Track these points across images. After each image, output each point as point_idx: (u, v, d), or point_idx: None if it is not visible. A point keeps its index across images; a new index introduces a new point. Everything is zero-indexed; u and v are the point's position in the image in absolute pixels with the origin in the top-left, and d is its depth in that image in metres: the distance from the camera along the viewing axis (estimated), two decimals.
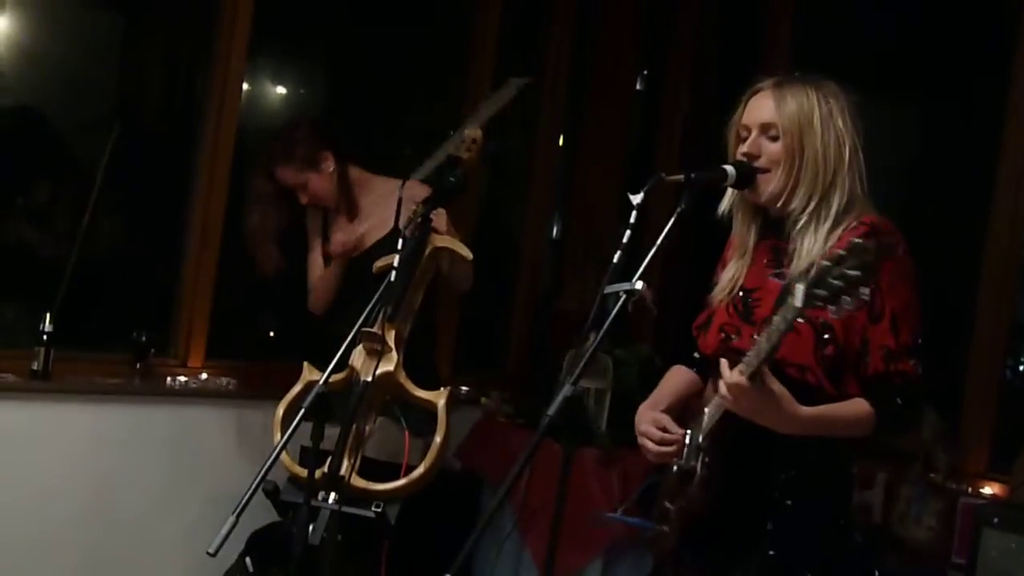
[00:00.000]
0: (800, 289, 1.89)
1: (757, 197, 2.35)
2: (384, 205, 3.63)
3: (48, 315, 3.74)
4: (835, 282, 1.89)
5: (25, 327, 3.80)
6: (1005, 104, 4.26)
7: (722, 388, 2.12)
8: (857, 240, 1.91)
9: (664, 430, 2.39)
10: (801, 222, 2.29)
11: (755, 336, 2.10)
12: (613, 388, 4.25)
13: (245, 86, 4.29)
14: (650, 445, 2.41)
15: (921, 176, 4.79)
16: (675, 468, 2.39)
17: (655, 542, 2.47)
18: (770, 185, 2.32)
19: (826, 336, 2.22)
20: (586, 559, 3.98)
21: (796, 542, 2.28)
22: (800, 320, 2.07)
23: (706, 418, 2.31)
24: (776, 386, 2.10)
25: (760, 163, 2.32)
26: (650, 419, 2.44)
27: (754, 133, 2.33)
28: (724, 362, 2.13)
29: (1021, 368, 4.68)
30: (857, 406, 2.22)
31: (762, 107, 2.33)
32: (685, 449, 2.36)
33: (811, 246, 2.25)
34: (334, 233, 3.78)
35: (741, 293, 2.39)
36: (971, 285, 4.32)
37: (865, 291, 1.89)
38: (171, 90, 4.50)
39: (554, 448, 3.47)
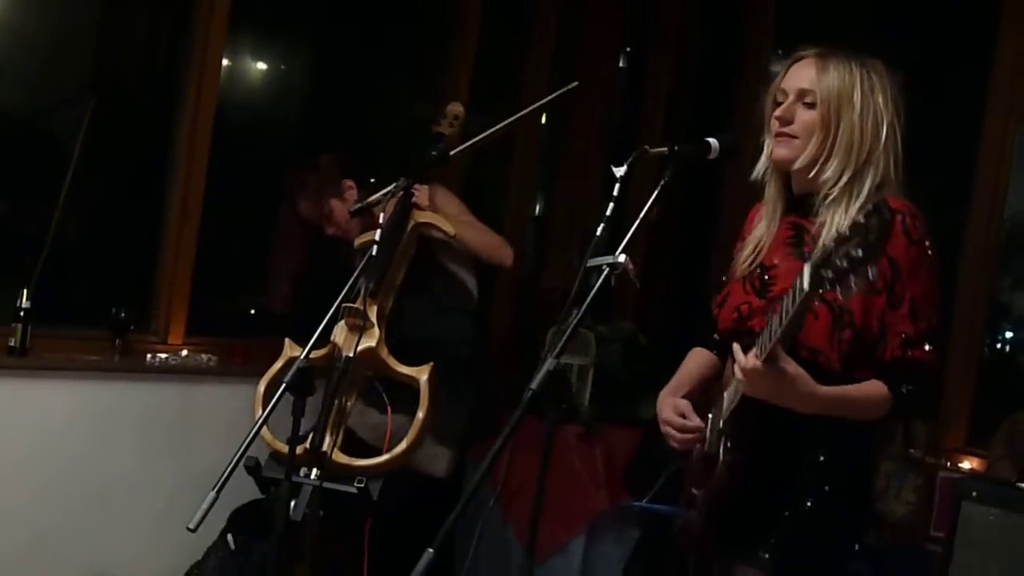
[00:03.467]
0: (807, 271, 1.86)
1: (788, 165, 2.32)
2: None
3: (25, 291, 3.72)
4: (840, 263, 1.84)
5: (1, 303, 3.77)
6: (987, 84, 4.26)
7: (738, 372, 2.12)
8: (859, 219, 1.85)
9: (684, 416, 2.40)
10: (832, 196, 2.26)
11: (769, 315, 2.09)
12: (596, 365, 4.25)
13: (225, 62, 4.26)
14: (673, 432, 2.42)
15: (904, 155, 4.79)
16: (700, 454, 2.39)
17: (683, 529, 2.46)
18: (802, 152, 2.28)
19: (844, 319, 2.20)
20: (569, 535, 3.99)
21: (822, 524, 2.29)
22: (817, 302, 2.09)
23: (726, 402, 2.30)
24: (791, 367, 2.09)
25: (792, 129, 2.29)
26: (671, 405, 2.44)
27: (791, 98, 2.31)
28: (737, 347, 2.13)
29: (999, 345, 4.70)
30: (874, 388, 2.20)
31: (803, 74, 2.30)
32: (708, 434, 2.37)
33: (841, 221, 2.19)
34: None
35: (759, 269, 2.38)
36: (952, 263, 4.32)
37: (872, 271, 1.82)
38: (150, 63, 4.46)
39: (536, 424, 3.45)
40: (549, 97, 3.93)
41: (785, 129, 2.31)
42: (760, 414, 2.21)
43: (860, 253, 1.82)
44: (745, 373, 2.09)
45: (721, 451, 2.30)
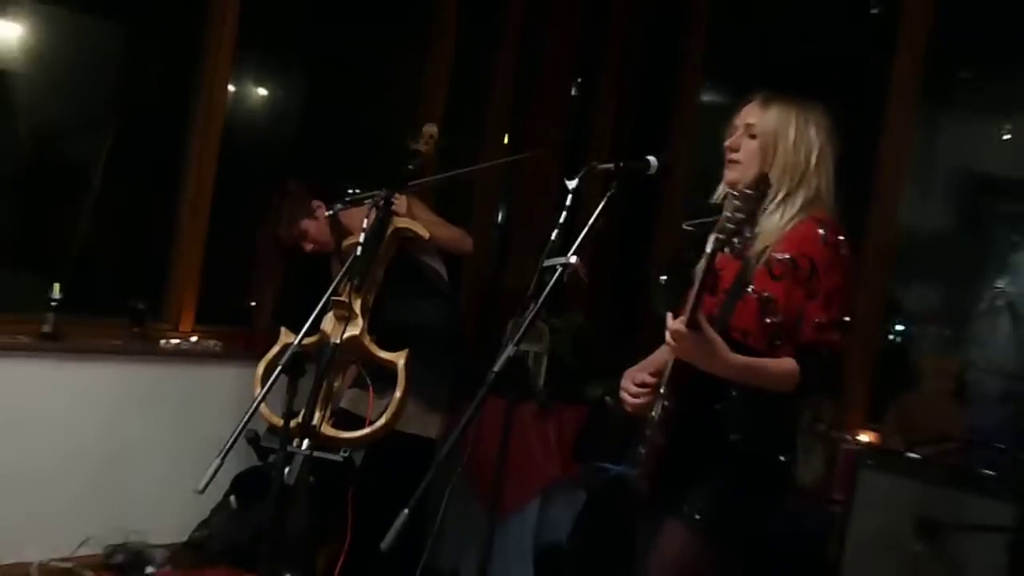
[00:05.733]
0: (711, 238, 1.97)
1: (736, 186, 2.32)
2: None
3: (57, 285, 3.70)
4: (729, 226, 1.98)
5: (37, 296, 3.74)
6: (884, 114, 4.28)
7: (668, 336, 2.12)
8: (744, 190, 2.01)
9: (643, 385, 2.38)
10: (769, 210, 2.30)
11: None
12: (549, 352, 4.24)
13: (231, 87, 4.22)
14: (627, 397, 2.39)
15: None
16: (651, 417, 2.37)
17: (635, 485, 2.43)
18: (744, 175, 2.32)
19: (770, 308, 2.24)
20: (525, 499, 3.97)
21: (739, 486, 2.28)
22: (750, 293, 2.21)
23: (667, 369, 2.29)
24: (711, 334, 2.11)
25: (737, 156, 2.36)
26: (629, 376, 2.42)
27: (740, 131, 2.37)
28: (669, 314, 2.12)
29: (892, 337, 4.73)
30: (784, 364, 2.22)
31: (750, 112, 2.37)
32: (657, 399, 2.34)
33: (772, 224, 2.28)
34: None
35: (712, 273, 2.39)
36: (854, 266, 4.34)
37: (748, 231, 2.00)
38: (165, 88, 4.41)
39: (497, 402, 3.40)
40: (509, 159, 3.96)
41: (733, 156, 2.36)
42: (697, 379, 2.21)
43: (742, 216, 1.99)
44: (673, 335, 2.10)
45: (658, 410, 2.28)
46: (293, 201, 3.69)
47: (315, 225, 3.68)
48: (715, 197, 2.44)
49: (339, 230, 3.59)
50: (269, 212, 3.75)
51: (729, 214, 2.00)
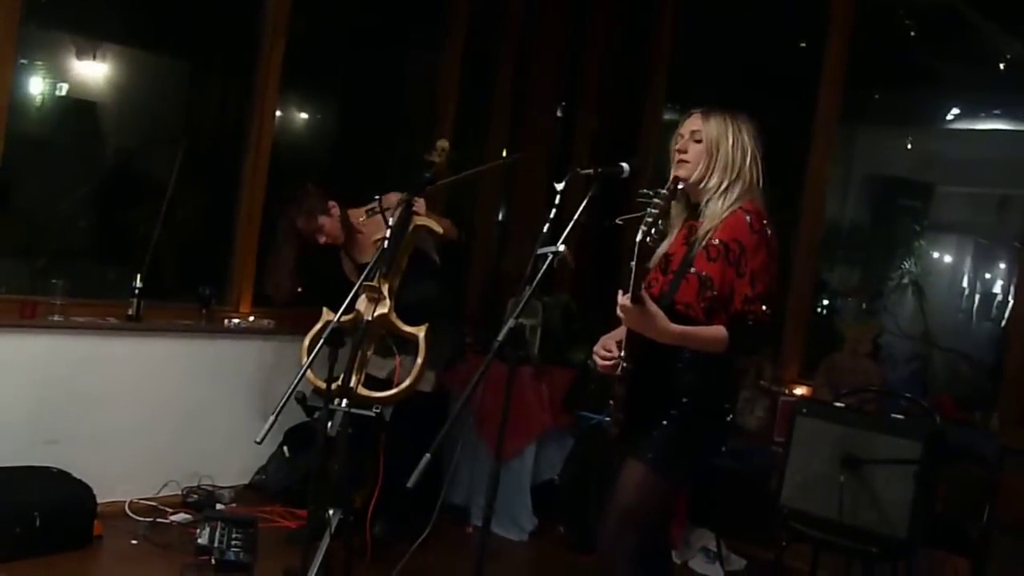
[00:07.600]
0: (641, 229, 2.00)
1: (685, 181, 2.35)
2: (375, 222, 3.43)
3: (139, 275, 3.68)
4: (649, 220, 2.02)
5: (122, 284, 3.72)
6: (812, 128, 4.25)
7: (618, 309, 2.12)
8: (660, 190, 2.06)
9: (608, 350, 2.37)
10: (711, 199, 2.32)
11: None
12: (542, 325, 4.22)
13: (278, 113, 4.18)
14: (598, 360, 2.39)
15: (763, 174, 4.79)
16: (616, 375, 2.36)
17: (608, 430, 2.42)
18: (693, 172, 2.33)
19: (707, 285, 2.24)
20: (524, 443, 3.97)
21: (688, 430, 2.28)
22: (690, 273, 2.19)
23: (624, 337, 2.29)
24: (651, 307, 2.11)
25: (686, 156, 2.35)
26: (601, 343, 2.41)
27: (686, 137, 2.37)
28: (620, 291, 2.11)
29: (819, 310, 4.73)
30: (715, 330, 2.22)
31: (693, 121, 2.37)
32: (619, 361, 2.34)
33: (714, 211, 2.30)
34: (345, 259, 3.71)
35: (664, 257, 2.39)
36: (789, 253, 4.34)
37: (662, 224, 2.05)
38: (224, 114, 4.38)
39: (500, 366, 3.39)
40: (506, 160, 3.97)
41: (682, 156, 2.36)
42: (649, 345, 2.20)
43: (656, 211, 2.04)
44: (621, 309, 2.11)
45: (620, 370, 2.28)
46: (312, 200, 3.59)
47: (329, 222, 3.61)
48: (666, 187, 2.42)
49: (348, 228, 3.55)
50: (290, 205, 3.63)
51: (649, 211, 2.02)
